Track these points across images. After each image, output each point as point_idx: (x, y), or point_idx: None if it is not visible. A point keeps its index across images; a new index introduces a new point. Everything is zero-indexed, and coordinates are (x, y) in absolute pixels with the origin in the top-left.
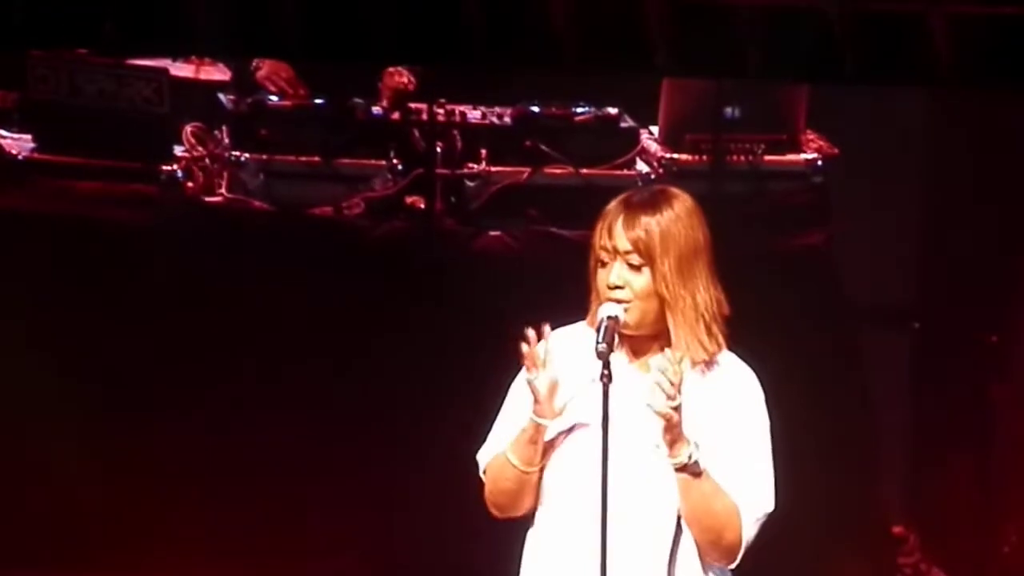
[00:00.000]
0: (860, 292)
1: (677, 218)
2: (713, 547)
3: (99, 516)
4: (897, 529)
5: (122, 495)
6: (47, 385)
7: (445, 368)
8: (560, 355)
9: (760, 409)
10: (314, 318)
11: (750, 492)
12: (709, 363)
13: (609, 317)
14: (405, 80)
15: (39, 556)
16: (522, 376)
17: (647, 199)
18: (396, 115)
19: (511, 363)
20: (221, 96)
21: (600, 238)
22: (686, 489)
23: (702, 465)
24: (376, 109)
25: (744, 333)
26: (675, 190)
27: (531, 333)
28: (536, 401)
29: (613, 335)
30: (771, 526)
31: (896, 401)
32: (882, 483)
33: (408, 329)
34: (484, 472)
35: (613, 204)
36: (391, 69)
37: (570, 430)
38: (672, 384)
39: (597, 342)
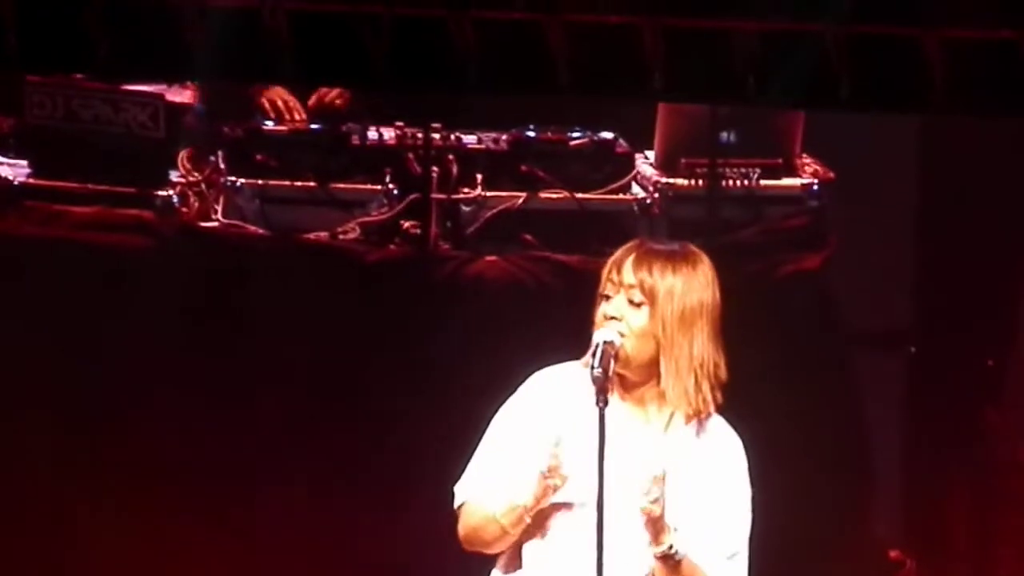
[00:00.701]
0: (856, 316)
1: (691, 274)
2: None
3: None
4: (894, 554)
5: (121, 515)
6: (43, 409)
7: (440, 392)
8: (550, 394)
9: (743, 488)
10: (309, 343)
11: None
12: (700, 423)
13: (605, 341)
14: (335, 95)
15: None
16: (505, 411)
17: (665, 248)
18: (392, 141)
19: (506, 386)
20: (217, 121)
21: (608, 271)
22: (668, 573)
23: (682, 553)
24: (372, 134)
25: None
26: (696, 249)
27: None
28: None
29: (609, 359)
30: (769, 550)
31: (892, 425)
32: (879, 507)
33: (404, 353)
34: (460, 506)
35: (629, 244)
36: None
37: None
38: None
39: (592, 367)
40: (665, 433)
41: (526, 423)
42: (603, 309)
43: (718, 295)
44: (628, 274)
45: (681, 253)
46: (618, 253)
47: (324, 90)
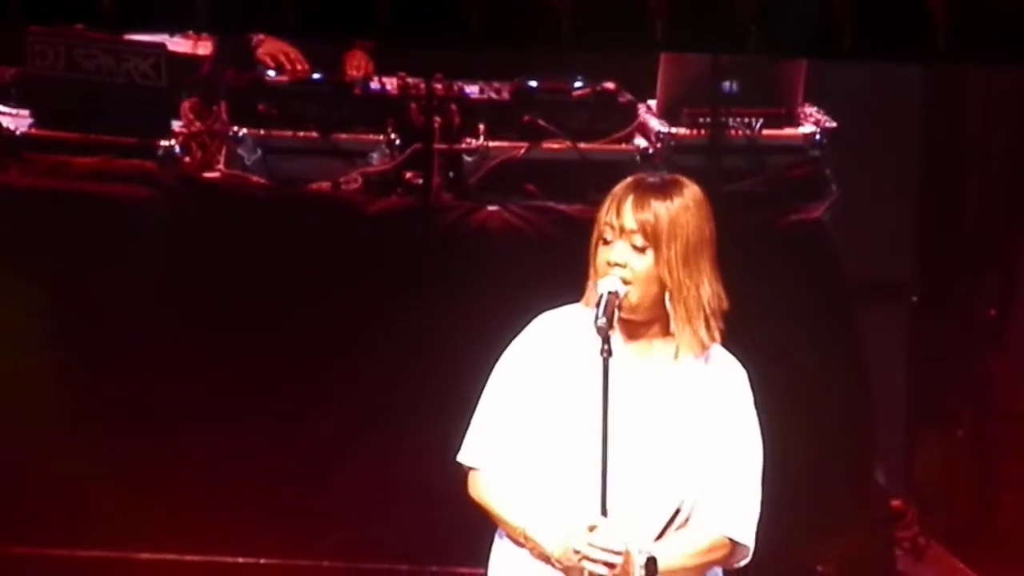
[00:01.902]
0: (858, 266)
1: (687, 207)
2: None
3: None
4: (895, 503)
5: (126, 469)
6: (44, 360)
7: (443, 342)
8: (554, 338)
9: (752, 417)
10: (311, 293)
11: (737, 518)
12: (705, 353)
13: (609, 292)
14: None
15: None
16: (509, 358)
17: (659, 184)
18: (394, 91)
19: (507, 335)
20: (219, 71)
21: (607, 214)
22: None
23: (659, 566)
24: (374, 84)
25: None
26: (686, 180)
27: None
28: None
29: (613, 310)
30: (771, 501)
31: (894, 374)
32: (880, 457)
33: (406, 303)
34: (471, 471)
35: (623, 184)
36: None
37: (567, 412)
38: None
39: (597, 317)
40: (673, 364)
41: (531, 369)
42: (604, 255)
43: (713, 224)
44: (628, 218)
45: (677, 189)
46: (615, 195)
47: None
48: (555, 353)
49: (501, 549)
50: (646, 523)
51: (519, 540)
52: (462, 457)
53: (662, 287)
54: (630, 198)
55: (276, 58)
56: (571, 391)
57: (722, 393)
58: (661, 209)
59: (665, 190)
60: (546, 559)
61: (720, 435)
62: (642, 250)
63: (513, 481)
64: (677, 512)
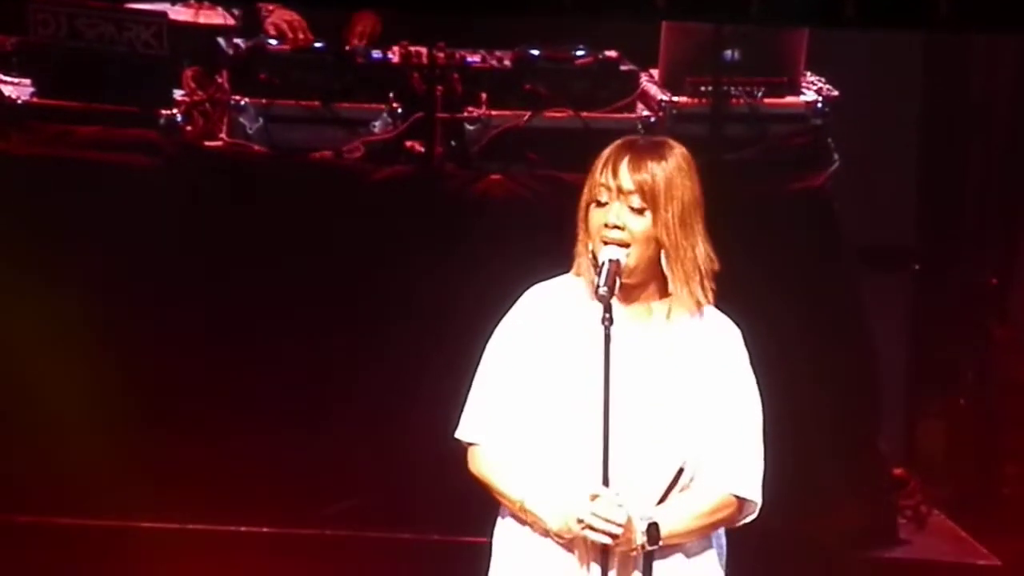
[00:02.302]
0: (860, 234)
1: (680, 168)
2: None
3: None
4: (898, 471)
5: (127, 438)
6: (47, 329)
7: (447, 309)
8: (547, 309)
9: (749, 374)
10: (313, 261)
11: (741, 474)
12: (700, 313)
13: (611, 260)
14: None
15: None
16: (502, 333)
17: (651, 146)
18: (395, 58)
19: (511, 305)
20: (221, 40)
21: (600, 175)
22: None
23: (662, 531)
24: (376, 53)
25: (744, 275)
26: (675, 142)
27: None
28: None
29: (615, 278)
30: (773, 468)
31: (896, 343)
32: (882, 425)
33: (408, 272)
34: (471, 446)
35: (614, 146)
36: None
37: (565, 382)
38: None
39: (598, 285)
40: (668, 325)
41: (526, 342)
42: (599, 217)
43: (700, 186)
44: (626, 179)
45: (669, 150)
46: (607, 155)
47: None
48: (549, 324)
49: (504, 530)
50: (648, 488)
51: (519, 515)
52: (460, 433)
53: (658, 249)
54: (625, 159)
55: (279, 27)
56: (568, 360)
57: (718, 352)
58: (657, 170)
59: (658, 151)
60: (547, 534)
61: (718, 393)
62: (640, 211)
63: (512, 455)
64: (679, 475)
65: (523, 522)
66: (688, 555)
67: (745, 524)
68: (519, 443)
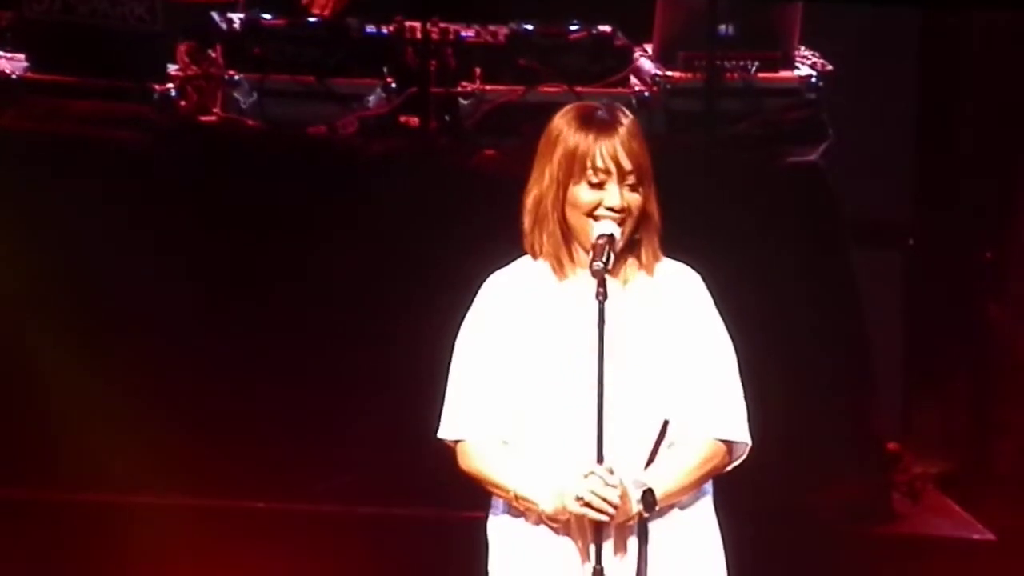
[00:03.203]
0: (855, 209)
1: (644, 137)
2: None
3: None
4: (892, 446)
5: (124, 414)
6: (39, 305)
7: (441, 284)
8: (512, 295)
9: (717, 318)
10: (308, 236)
11: (724, 417)
12: (658, 269)
13: (606, 235)
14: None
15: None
16: (469, 329)
17: (623, 119)
18: (389, 33)
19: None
20: (214, 15)
21: (595, 159)
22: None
23: (657, 494)
24: (370, 28)
25: (738, 250)
26: (625, 109)
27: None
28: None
29: (610, 253)
30: (768, 441)
31: (891, 318)
32: (878, 400)
33: (403, 246)
34: (458, 443)
35: (586, 122)
36: None
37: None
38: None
39: (593, 260)
40: (634, 283)
41: (495, 331)
42: (592, 197)
43: None
44: (625, 160)
45: (632, 120)
46: (589, 138)
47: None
48: (518, 309)
49: (497, 526)
50: (637, 450)
51: (513, 505)
52: (444, 432)
53: (639, 219)
54: (616, 141)
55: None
56: (547, 342)
57: (683, 300)
58: (640, 146)
59: (631, 124)
60: (540, 522)
61: (691, 341)
62: (634, 188)
63: (499, 446)
64: (664, 429)
65: (516, 514)
66: (682, 507)
67: (740, 499)
68: (505, 432)
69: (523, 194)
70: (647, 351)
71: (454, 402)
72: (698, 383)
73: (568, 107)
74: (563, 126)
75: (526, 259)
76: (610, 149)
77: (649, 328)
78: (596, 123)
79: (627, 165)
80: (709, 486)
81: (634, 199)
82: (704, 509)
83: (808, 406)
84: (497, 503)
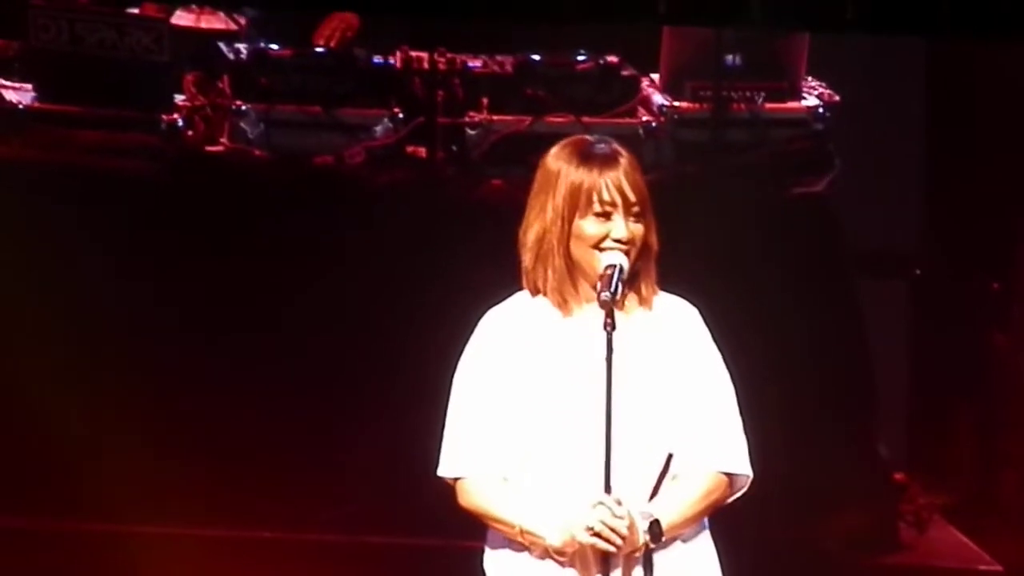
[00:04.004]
0: (861, 239)
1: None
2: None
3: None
4: (898, 476)
5: (129, 443)
6: (47, 334)
7: (448, 314)
8: (511, 330)
9: (715, 351)
10: (314, 266)
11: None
12: (656, 302)
13: (614, 266)
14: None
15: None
16: (468, 366)
17: (622, 151)
18: (396, 63)
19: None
20: (222, 45)
21: (601, 192)
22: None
23: (663, 525)
24: (377, 58)
25: (745, 280)
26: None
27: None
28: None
29: (618, 284)
30: (774, 474)
31: (897, 348)
32: (884, 430)
33: (410, 276)
34: (457, 480)
35: (587, 155)
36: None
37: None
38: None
39: (600, 290)
40: (635, 316)
41: (495, 367)
42: (599, 229)
43: None
44: (631, 192)
45: (630, 153)
46: (589, 169)
47: (327, 32)
48: (518, 345)
49: (495, 562)
50: (642, 483)
51: (517, 540)
52: (444, 471)
53: (640, 250)
54: (619, 171)
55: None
56: (549, 376)
57: (683, 334)
58: (640, 177)
59: (630, 156)
60: (546, 555)
61: (690, 375)
62: (638, 219)
63: (499, 482)
64: (668, 463)
65: (519, 548)
66: (685, 540)
67: (747, 529)
68: (505, 468)
69: (519, 232)
70: (651, 383)
71: (453, 440)
72: (699, 417)
73: (562, 143)
74: (562, 162)
75: (523, 295)
76: (615, 181)
77: (652, 361)
78: (598, 157)
79: (632, 197)
80: (706, 521)
81: (638, 230)
82: (705, 541)
83: (813, 435)
84: (495, 537)
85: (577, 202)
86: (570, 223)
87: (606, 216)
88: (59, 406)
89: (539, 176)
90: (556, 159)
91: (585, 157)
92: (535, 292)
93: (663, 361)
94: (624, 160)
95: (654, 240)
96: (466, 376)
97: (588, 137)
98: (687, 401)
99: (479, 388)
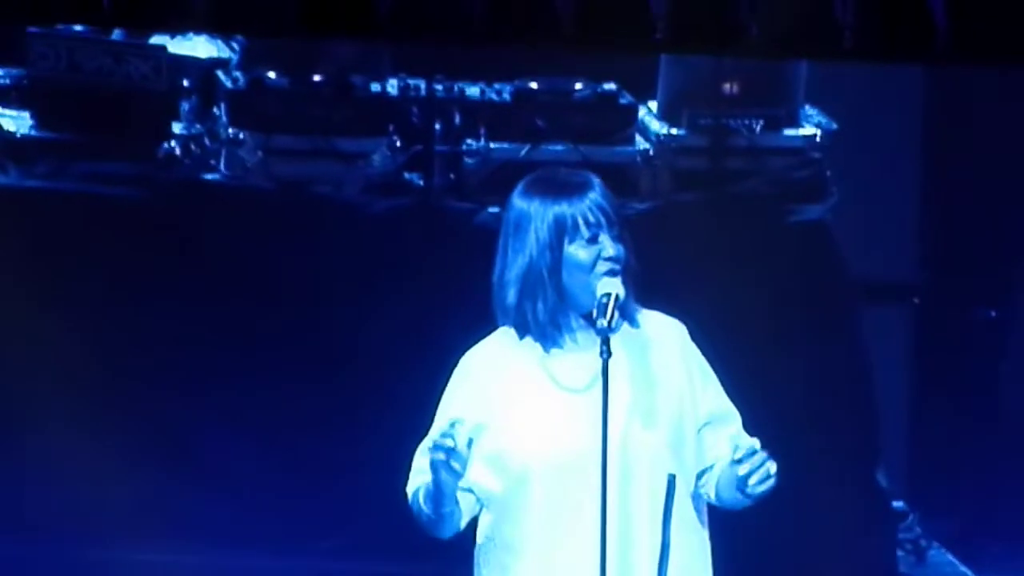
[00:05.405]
0: (859, 268)
1: None
2: None
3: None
4: (897, 505)
5: (126, 469)
6: (44, 360)
7: (446, 342)
8: (495, 370)
9: (707, 366)
10: (312, 294)
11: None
12: (643, 321)
13: (609, 294)
14: None
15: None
16: (448, 407)
17: (591, 176)
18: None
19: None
20: (220, 73)
21: (586, 215)
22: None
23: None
24: (375, 86)
25: (742, 308)
26: None
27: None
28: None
29: (614, 311)
30: (772, 501)
31: (896, 376)
32: (883, 458)
33: (407, 305)
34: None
35: (562, 188)
36: None
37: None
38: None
39: (597, 318)
40: (618, 342)
41: (479, 409)
42: (589, 253)
43: None
44: (610, 211)
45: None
46: (573, 196)
47: None
48: (500, 385)
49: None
50: (649, 508)
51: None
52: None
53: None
54: (597, 193)
55: None
56: (538, 408)
57: (673, 350)
58: (612, 197)
59: (596, 177)
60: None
61: (692, 389)
62: (619, 238)
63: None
64: (672, 486)
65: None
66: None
67: (745, 557)
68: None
69: (493, 275)
70: (649, 405)
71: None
72: (712, 413)
73: (525, 182)
74: (536, 196)
75: (505, 331)
76: (595, 202)
77: (647, 382)
78: (573, 184)
79: (613, 216)
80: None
81: (622, 249)
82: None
83: (812, 465)
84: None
85: (563, 230)
86: (560, 252)
87: (594, 239)
88: (51, 427)
89: (511, 216)
90: (527, 195)
91: (560, 186)
92: (522, 327)
93: (658, 380)
94: (596, 182)
95: (633, 260)
96: (441, 408)
97: (549, 169)
98: (693, 413)
99: (447, 417)
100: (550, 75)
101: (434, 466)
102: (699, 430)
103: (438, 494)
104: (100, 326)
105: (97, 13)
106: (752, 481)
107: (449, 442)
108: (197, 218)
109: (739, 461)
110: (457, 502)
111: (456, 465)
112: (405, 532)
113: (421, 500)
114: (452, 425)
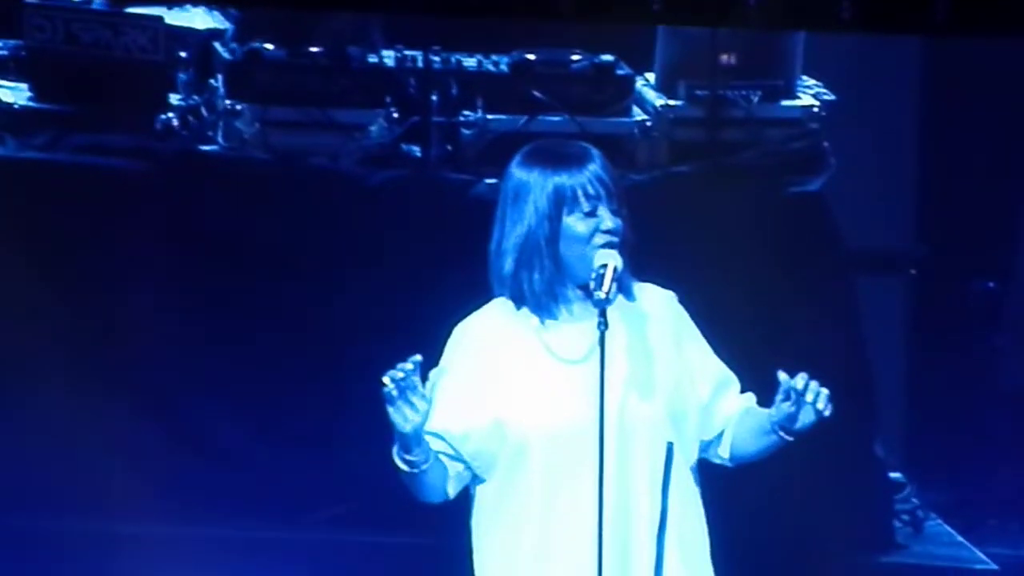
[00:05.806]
0: (856, 239)
1: None
2: None
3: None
4: (895, 476)
5: (119, 442)
6: (42, 333)
7: (442, 314)
8: (491, 341)
9: (699, 333)
10: (309, 265)
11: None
12: (637, 293)
13: (608, 265)
14: None
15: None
16: (445, 364)
17: (591, 148)
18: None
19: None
20: (217, 44)
21: (585, 187)
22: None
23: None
24: (372, 57)
25: (740, 279)
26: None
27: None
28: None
29: (612, 283)
30: (769, 472)
31: (893, 348)
32: (880, 429)
33: (405, 276)
34: None
35: (562, 160)
36: None
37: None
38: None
39: (595, 290)
40: (613, 311)
41: (474, 381)
42: (587, 225)
43: None
44: (609, 183)
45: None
46: (572, 167)
47: None
48: (497, 356)
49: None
50: (650, 478)
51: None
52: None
53: (625, 242)
54: (596, 165)
55: None
56: (535, 379)
57: (667, 320)
58: (612, 169)
59: (596, 149)
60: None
61: (687, 357)
62: (617, 212)
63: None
64: (670, 454)
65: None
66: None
67: (742, 527)
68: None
69: (490, 244)
70: (646, 376)
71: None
72: (717, 380)
73: (523, 152)
74: (536, 166)
75: (500, 302)
76: (595, 174)
77: (643, 352)
78: (573, 155)
79: (612, 188)
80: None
81: (620, 222)
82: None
83: (809, 434)
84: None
85: (562, 201)
86: (558, 223)
87: (592, 212)
88: (50, 403)
89: (510, 186)
90: (526, 165)
91: (560, 157)
92: (518, 297)
93: (655, 351)
94: (596, 154)
95: (630, 233)
96: (436, 378)
97: (549, 140)
98: (690, 381)
99: (454, 406)
100: (547, 46)
101: (388, 400)
102: (706, 400)
103: (401, 437)
104: (98, 297)
105: None
106: (816, 401)
107: (399, 374)
108: (194, 189)
109: (794, 395)
110: (431, 455)
111: (415, 399)
112: (403, 503)
113: (394, 453)
114: (409, 362)
